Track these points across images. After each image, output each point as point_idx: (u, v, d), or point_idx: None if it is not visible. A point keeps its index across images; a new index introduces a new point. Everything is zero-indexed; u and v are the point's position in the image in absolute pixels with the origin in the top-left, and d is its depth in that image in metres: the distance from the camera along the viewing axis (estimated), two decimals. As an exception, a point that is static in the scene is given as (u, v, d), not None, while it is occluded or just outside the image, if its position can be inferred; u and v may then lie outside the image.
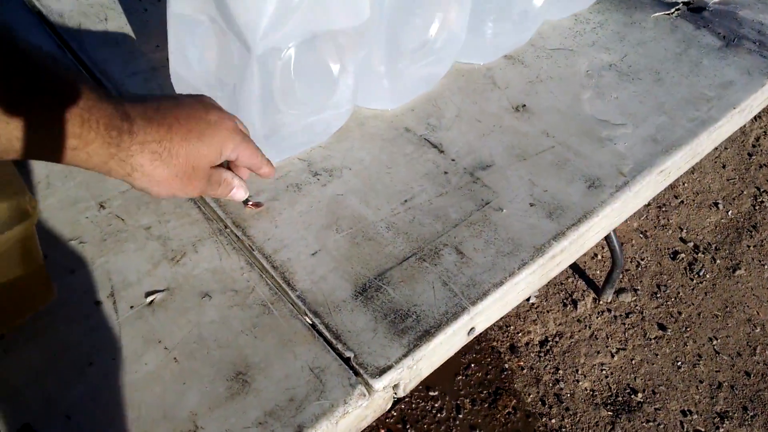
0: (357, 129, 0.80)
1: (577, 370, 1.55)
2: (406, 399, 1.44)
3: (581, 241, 0.73)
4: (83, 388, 0.54)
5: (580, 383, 1.53)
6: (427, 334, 0.61)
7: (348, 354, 0.58)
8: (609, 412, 1.49)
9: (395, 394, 0.61)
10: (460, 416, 1.42)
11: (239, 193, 0.64)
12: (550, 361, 1.55)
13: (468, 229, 0.70)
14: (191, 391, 0.55)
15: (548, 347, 1.58)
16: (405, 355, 0.59)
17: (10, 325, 0.57)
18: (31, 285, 0.57)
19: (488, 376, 1.50)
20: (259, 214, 0.69)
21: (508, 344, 1.58)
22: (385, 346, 0.59)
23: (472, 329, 0.65)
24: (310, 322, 0.61)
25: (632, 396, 1.52)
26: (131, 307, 0.60)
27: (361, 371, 0.57)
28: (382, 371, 0.58)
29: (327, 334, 0.60)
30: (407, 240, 0.68)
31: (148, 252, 0.64)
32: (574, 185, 0.76)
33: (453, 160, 0.77)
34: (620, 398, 1.52)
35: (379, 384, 0.57)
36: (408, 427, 1.40)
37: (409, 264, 0.66)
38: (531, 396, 1.48)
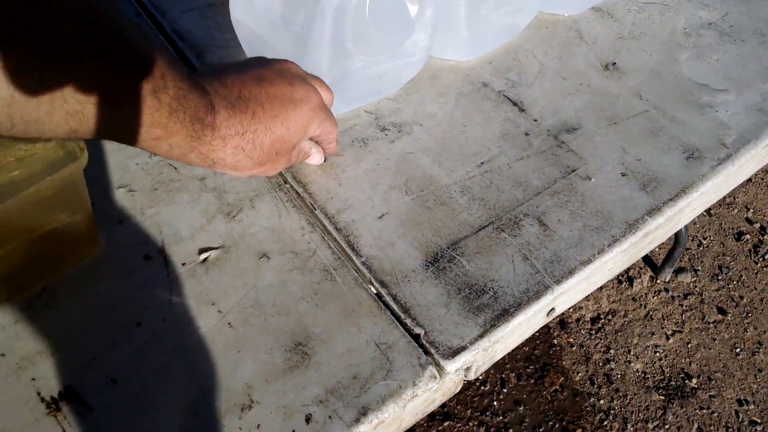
0: (429, 81, 0.72)
1: (629, 351, 1.48)
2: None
3: (677, 218, 0.65)
4: (130, 349, 0.50)
5: (632, 364, 1.46)
6: (505, 314, 0.54)
7: (417, 330, 0.53)
8: (661, 397, 1.42)
9: (466, 377, 0.55)
10: (505, 390, 1.37)
11: (316, 158, 0.61)
12: (601, 339, 1.48)
13: (551, 199, 0.63)
14: (246, 360, 0.50)
15: (600, 325, 1.50)
16: (481, 336, 0.53)
17: (52, 276, 0.53)
18: (77, 234, 0.52)
19: (535, 351, 1.44)
20: (322, 170, 0.62)
21: (557, 319, 1.51)
22: (458, 324, 0.53)
23: (552, 310, 0.59)
24: (376, 292, 0.55)
25: (686, 381, 1.45)
26: (183, 264, 0.55)
27: (432, 350, 0.52)
28: (455, 352, 0.52)
29: (394, 306, 0.54)
30: (483, 207, 0.61)
31: (201, 205, 0.59)
32: (670, 155, 0.68)
33: (535, 120, 0.69)
34: (673, 383, 1.45)
35: (451, 366, 0.51)
36: (449, 399, 1.36)
37: (486, 234, 0.59)
38: (579, 374, 1.42)
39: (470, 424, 1.31)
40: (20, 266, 0.51)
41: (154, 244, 0.56)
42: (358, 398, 0.49)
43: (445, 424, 1.30)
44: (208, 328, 0.51)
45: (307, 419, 0.47)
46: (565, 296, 0.58)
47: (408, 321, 0.53)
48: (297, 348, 0.51)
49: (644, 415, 1.39)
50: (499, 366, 1.41)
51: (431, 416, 1.32)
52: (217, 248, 0.56)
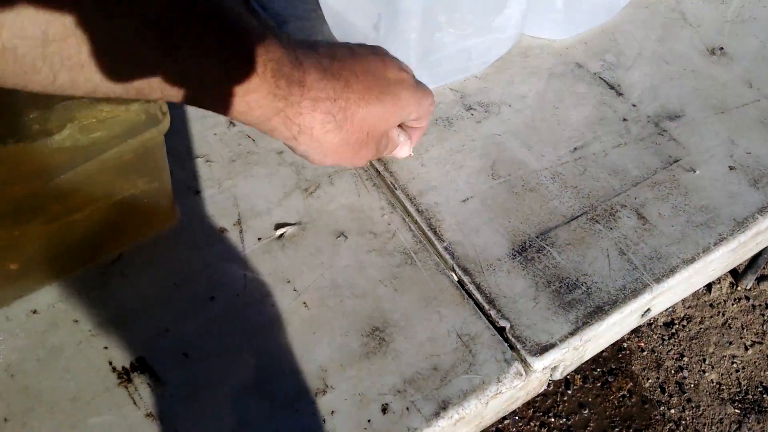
0: (519, 60, 0.68)
1: (704, 360, 1.39)
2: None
3: (791, 219, 0.59)
4: (203, 324, 0.48)
5: (707, 374, 1.38)
6: (599, 311, 0.50)
7: (503, 323, 0.49)
8: (736, 410, 1.34)
9: (551, 377, 0.51)
10: (569, 392, 1.32)
11: (404, 150, 0.54)
12: (674, 345, 1.41)
13: (651, 190, 0.58)
14: (321, 343, 0.47)
15: (674, 330, 1.43)
16: (572, 333, 0.49)
17: (127, 245, 0.52)
18: (154, 203, 0.51)
19: (603, 353, 1.38)
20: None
21: (627, 321, 1.44)
22: (547, 320, 0.49)
23: (647, 311, 0.54)
24: (458, 280, 0.51)
25: (764, 395, 1.36)
26: (259, 239, 0.53)
27: (518, 346, 0.48)
28: (543, 349, 0.48)
29: (478, 296, 0.50)
30: (576, 195, 0.57)
31: (279, 179, 0.57)
32: (785, 149, 0.61)
33: (634, 105, 0.64)
34: (750, 396, 1.36)
35: (539, 364, 0.47)
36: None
37: (579, 224, 0.55)
38: (650, 381, 1.35)
39: (531, 424, 1.26)
40: (96, 232, 0.50)
41: (231, 217, 0.54)
42: (438, 391, 0.46)
43: (506, 422, 1.26)
44: (282, 307, 0.49)
45: (384, 409, 0.45)
46: (663, 297, 0.53)
47: (492, 312, 0.50)
48: (374, 333, 0.48)
49: (717, 428, 1.31)
50: (563, 366, 1.35)
51: (491, 413, 1.28)
52: (293, 224, 0.54)
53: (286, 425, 0.43)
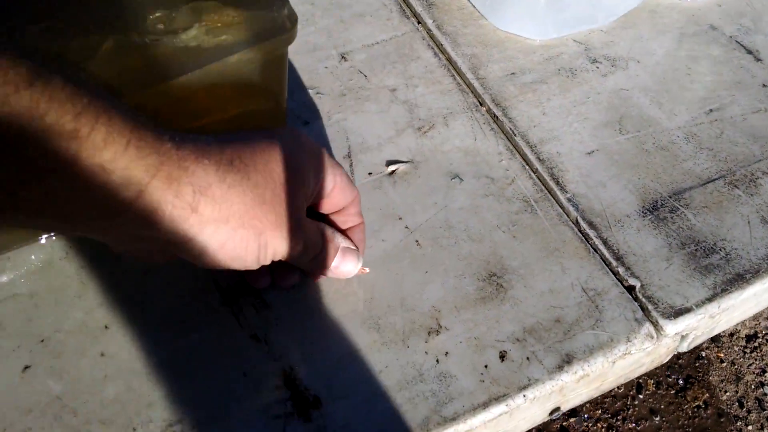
0: (647, 17, 0.63)
1: (787, 378, 1.30)
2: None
3: None
4: (310, 252, 0.45)
5: (790, 394, 1.29)
6: (739, 279, 0.45)
7: (632, 282, 0.45)
8: (820, 435, 1.24)
9: (678, 347, 0.47)
10: (641, 397, 1.25)
11: (349, 263, 0.41)
12: (756, 360, 1.32)
13: (797, 159, 0.52)
14: (434, 283, 0.44)
15: (757, 344, 1.34)
16: (709, 300, 0.44)
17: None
18: (267, 119, 0.48)
19: (680, 360, 1.30)
20: (524, 96, 0.55)
21: (706, 330, 1.36)
22: (681, 283, 0.45)
23: (786, 287, 0.49)
24: (584, 233, 0.47)
25: None
26: (369, 173, 0.50)
27: (650, 307, 0.44)
28: (677, 312, 0.43)
29: (605, 251, 0.46)
30: (713, 158, 0.52)
31: (391, 116, 0.54)
32: None
33: (776, 71, 0.59)
34: (836, 422, 1.26)
35: (671, 328, 0.43)
36: (577, 394, 1.26)
37: (716, 188, 0.50)
38: (728, 394, 1.27)
39: (599, 425, 1.21)
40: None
41: (340, 150, 0.51)
42: (561, 344, 0.42)
43: (572, 420, 1.21)
44: (393, 243, 0.46)
45: (502, 356, 0.41)
46: (808, 273, 0.48)
47: (620, 270, 0.45)
48: (491, 279, 0.45)
49: (798, 452, 1.22)
50: (635, 369, 1.29)
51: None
52: (405, 162, 0.51)
53: (397, 360, 0.40)
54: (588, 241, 0.47)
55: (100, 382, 0.39)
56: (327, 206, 0.40)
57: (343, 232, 0.41)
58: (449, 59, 0.58)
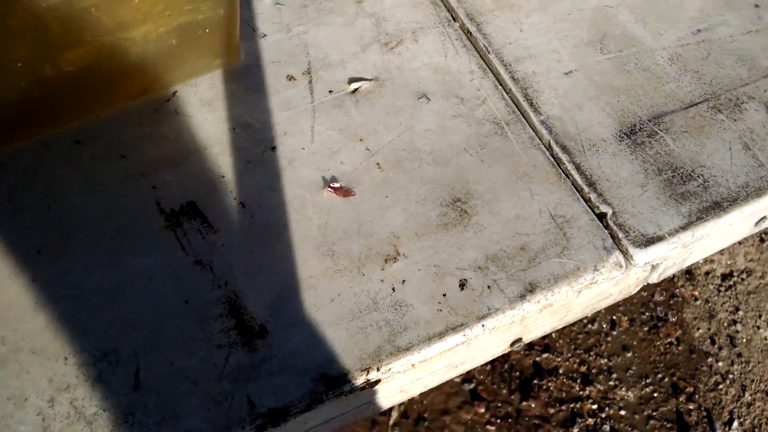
0: (637, -70, 0.59)
1: (760, 315, 1.32)
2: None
3: None
4: (262, 174, 0.42)
5: (761, 330, 1.30)
6: (716, 207, 0.43)
7: (604, 208, 0.42)
8: (788, 371, 1.26)
9: (648, 278, 0.45)
10: (614, 333, 1.26)
11: None
12: (730, 298, 1.33)
13: (786, 84, 0.49)
14: (395, 208, 0.41)
15: (732, 282, 1.35)
16: (683, 228, 0.42)
17: (184, 79, 0.46)
18: (218, 34, 0.44)
19: (654, 297, 1.31)
20: (501, 11, 0.51)
21: (684, 268, 1.36)
22: (656, 210, 0.42)
23: (763, 218, 0.47)
24: (556, 158, 0.45)
25: (821, 360, 1.28)
26: (330, 91, 0.46)
27: (620, 234, 0.41)
28: (649, 241, 0.41)
29: (577, 176, 0.44)
30: (697, 81, 0.49)
31: (357, 30, 0.50)
32: None
33: (770, -10, 0.55)
34: (805, 359, 1.28)
35: (642, 257, 0.41)
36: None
37: (698, 112, 0.47)
38: (700, 331, 1.28)
39: (571, 360, 1.21)
40: (150, 60, 0.44)
41: (300, 65, 0.48)
42: (525, 272, 0.39)
43: (544, 355, 1.21)
44: (353, 166, 0.43)
45: (462, 285, 0.39)
46: (788, 203, 0.46)
47: (593, 196, 0.43)
48: (455, 204, 0.42)
49: (765, 386, 1.25)
50: (611, 306, 1.29)
51: (530, 344, 1.23)
52: (369, 80, 0.47)
53: (351, 288, 0.38)
54: (560, 166, 0.44)
55: (30, 309, 0.36)
56: None
57: None
58: (421, -30, 0.54)
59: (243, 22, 0.49)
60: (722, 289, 1.35)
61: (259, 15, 0.50)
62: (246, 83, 0.46)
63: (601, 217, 0.42)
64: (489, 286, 0.39)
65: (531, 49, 0.49)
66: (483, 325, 0.37)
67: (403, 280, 0.39)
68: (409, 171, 0.43)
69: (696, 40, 0.51)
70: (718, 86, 0.49)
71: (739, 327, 1.31)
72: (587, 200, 0.43)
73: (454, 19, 0.51)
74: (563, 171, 0.44)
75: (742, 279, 1.37)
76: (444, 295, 0.38)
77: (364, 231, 0.40)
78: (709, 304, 1.33)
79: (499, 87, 0.47)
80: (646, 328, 1.29)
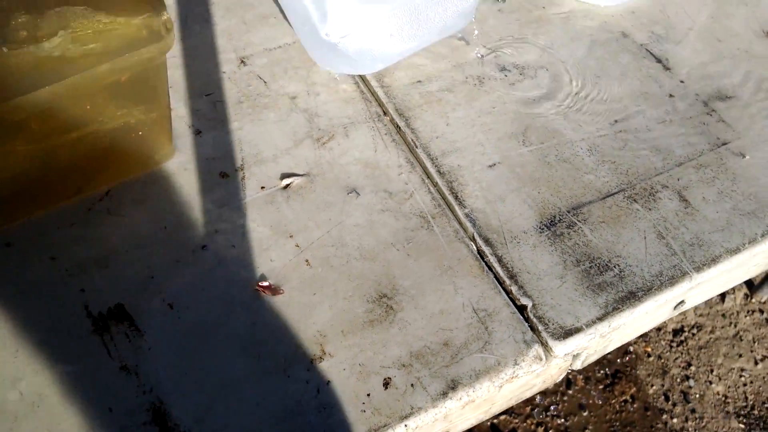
0: (560, 24, 0.62)
1: (711, 370, 1.34)
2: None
3: None
4: (192, 274, 0.43)
5: (713, 386, 1.33)
6: (632, 297, 0.45)
7: (524, 301, 0.44)
8: (741, 425, 1.29)
9: (572, 365, 0.46)
10: (570, 392, 1.27)
11: None
12: (682, 353, 1.35)
13: (696, 173, 0.52)
14: (322, 305, 0.43)
15: (683, 338, 1.38)
16: (600, 319, 0.44)
17: (117, 179, 0.47)
18: (151, 136, 0.46)
19: (608, 356, 1.33)
20: (429, 106, 0.54)
21: (636, 324, 1.39)
22: (574, 301, 0.44)
23: (681, 303, 0.49)
24: (479, 250, 0.46)
25: (772, 413, 1.31)
26: (262, 187, 0.48)
27: (540, 327, 0.43)
28: (567, 333, 0.43)
29: (499, 269, 0.45)
30: (614, 171, 0.52)
31: (290, 126, 0.52)
32: None
33: (682, 81, 0.59)
34: (756, 412, 1.31)
35: (561, 349, 0.42)
36: (509, 389, 1.27)
37: (615, 202, 0.50)
38: (654, 387, 1.30)
39: (528, 421, 1.22)
40: (83, 163, 0.45)
41: (233, 162, 0.49)
42: (448, 369, 0.41)
43: (501, 417, 1.22)
44: (282, 263, 0.44)
45: (386, 384, 0.40)
46: (701, 288, 0.48)
47: (514, 288, 0.45)
48: (381, 300, 0.43)
49: (720, 442, 1.26)
50: (566, 364, 1.30)
51: (487, 406, 1.23)
52: (301, 175, 0.49)
53: (276, 391, 0.39)
54: (483, 259, 0.46)
55: (-51, 421, 0.36)
56: None
57: None
58: (354, 65, 0.56)
59: (179, 119, 0.50)
60: (674, 344, 1.38)
61: (195, 112, 0.51)
62: (179, 181, 0.47)
63: (522, 309, 0.44)
64: (413, 384, 0.40)
65: (457, 142, 0.52)
66: (406, 425, 0.38)
67: (329, 381, 0.39)
68: (337, 267, 0.44)
69: (614, 130, 0.54)
70: (633, 176, 0.52)
71: (692, 382, 1.34)
72: (509, 293, 0.44)
73: (384, 114, 0.53)
74: (486, 264, 0.46)
75: (693, 334, 1.40)
76: (368, 395, 0.39)
77: (291, 330, 0.41)
78: (662, 360, 1.36)
79: (426, 181, 0.50)
80: (601, 386, 1.30)
